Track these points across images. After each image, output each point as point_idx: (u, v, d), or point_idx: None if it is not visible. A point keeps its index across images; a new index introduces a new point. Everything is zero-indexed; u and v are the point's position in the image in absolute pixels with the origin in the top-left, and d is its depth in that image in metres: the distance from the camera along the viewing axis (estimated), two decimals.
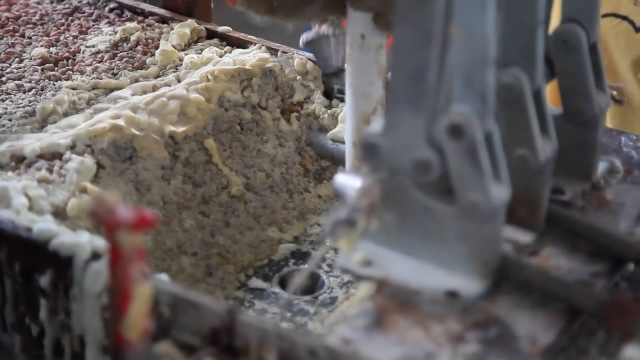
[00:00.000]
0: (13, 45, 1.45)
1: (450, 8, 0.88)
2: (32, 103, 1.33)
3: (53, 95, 1.34)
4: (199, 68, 1.39)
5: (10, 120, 1.30)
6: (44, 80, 1.38)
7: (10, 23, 1.50)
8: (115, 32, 1.48)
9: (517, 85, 1.00)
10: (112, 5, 1.55)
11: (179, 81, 1.37)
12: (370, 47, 1.11)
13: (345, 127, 1.20)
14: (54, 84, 1.37)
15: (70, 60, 1.43)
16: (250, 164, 1.36)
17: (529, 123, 1.01)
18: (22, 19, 1.51)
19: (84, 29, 1.49)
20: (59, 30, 1.49)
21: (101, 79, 1.38)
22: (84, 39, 1.47)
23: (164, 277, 1.00)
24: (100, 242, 1.02)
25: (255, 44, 1.44)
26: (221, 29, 1.48)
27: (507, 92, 1.01)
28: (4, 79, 1.38)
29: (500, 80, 1.00)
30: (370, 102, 1.14)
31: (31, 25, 1.50)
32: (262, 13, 1.07)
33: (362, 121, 1.14)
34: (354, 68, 1.12)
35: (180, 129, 1.32)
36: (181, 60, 1.42)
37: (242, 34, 1.47)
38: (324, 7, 1.07)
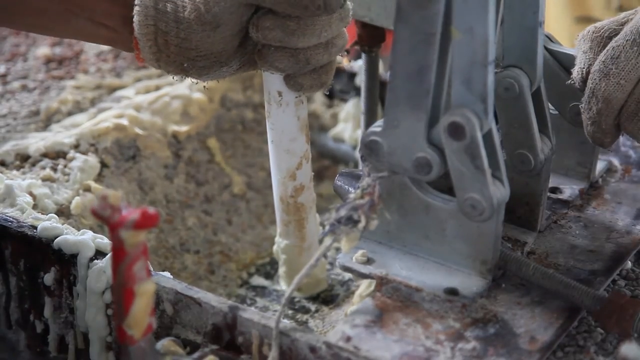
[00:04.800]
0: (17, 45, 1.46)
1: (450, 9, 0.89)
2: (36, 102, 1.34)
3: (57, 94, 1.35)
4: None
5: (14, 119, 1.31)
6: (48, 79, 1.39)
7: None
8: None
9: (517, 85, 1.01)
10: None
11: (182, 81, 1.37)
12: (289, 104, 1.05)
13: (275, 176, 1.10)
14: (58, 84, 1.38)
15: (74, 60, 1.43)
16: (252, 163, 1.36)
17: (529, 123, 1.02)
18: None
19: None
20: None
21: (105, 78, 1.39)
22: None
23: (166, 274, 1.00)
24: (103, 240, 1.03)
25: None
26: None
27: (506, 92, 1.01)
28: (8, 78, 1.39)
29: (500, 81, 1.01)
30: (294, 158, 1.07)
31: None
32: (173, 73, 1.02)
33: (288, 177, 1.08)
34: (274, 125, 1.06)
35: (183, 128, 1.33)
36: None
37: None
38: (240, 67, 1.02)
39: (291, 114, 1.05)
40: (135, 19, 0.98)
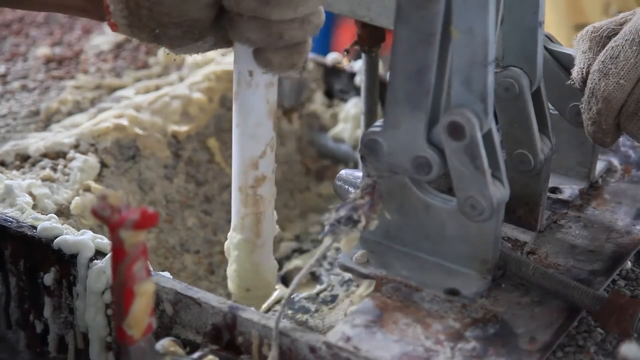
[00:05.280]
0: (17, 45, 1.46)
1: (450, 9, 0.89)
2: (36, 102, 1.34)
3: (57, 94, 1.35)
4: (202, 68, 1.39)
5: (14, 119, 1.31)
6: (48, 79, 1.39)
7: (14, 23, 1.51)
8: None
9: (517, 85, 1.01)
10: None
11: (182, 81, 1.38)
12: (259, 85, 0.98)
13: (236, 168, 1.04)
14: (57, 84, 1.38)
15: (74, 60, 1.43)
16: None
17: (529, 123, 1.02)
18: (26, 19, 1.52)
19: (87, 29, 1.50)
20: (62, 30, 1.49)
21: (105, 78, 1.39)
22: (87, 39, 1.48)
23: (166, 274, 1.00)
24: (103, 240, 1.03)
25: None
26: None
27: (506, 92, 1.01)
28: (8, 78, 1.39)
29: (500, 81, 1.01)
30: (258, 145, 1.00)
31: (35, 25, 1.50)
32: (145, 41, 0.97)
33: (250, 166, 1.00)
34: (241, 107, 0.99)
35: (183, 128, 1.33)
36: (184, 60, 1.42)
37: None
38: (215, 43, 0.98)
39: (260, 96, 0.99)
40: None
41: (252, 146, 1.00)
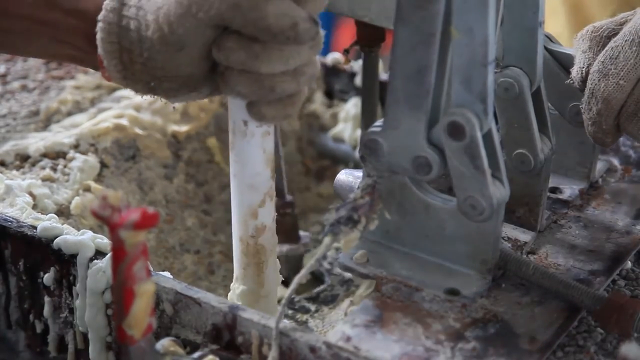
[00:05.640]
0: None
1: (450, 9, 0.89)
2: (36, 102, 1.34)
3: (57, 94, 1.35)
4: None
5: (14, 119, 1.31)
6: (48, 79, 1.39)
7: None
8: None
9: (517, 85, 1.01)
10: None
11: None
12: (255, 135, 0.96)
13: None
14: (57, 84, 1.38)
15: None
16: None
17: (528, 123, 1.02)
18: None
19: None
20: None
21: None
22: None
23: (166, 274, 1.00)
24: (103, 240, 1.03)
25: None
26: None
27: (506, 92, 1.01)
28: (8, 78, 1.39)
29: (500, 81, 1.01)
30: (256, 195, 0.98)
31: None
32: (140, 92, 0.95)
33: (249, 215, 0.99)
34: (238, 157, 0.98)
35: (183, 128, 1.33)
36: None
37: None
38: (211, 92, 0.95)
39: (256, 145, 0.97)
40: (98, 36, 0.93)
41: (250, 196, 0.99)
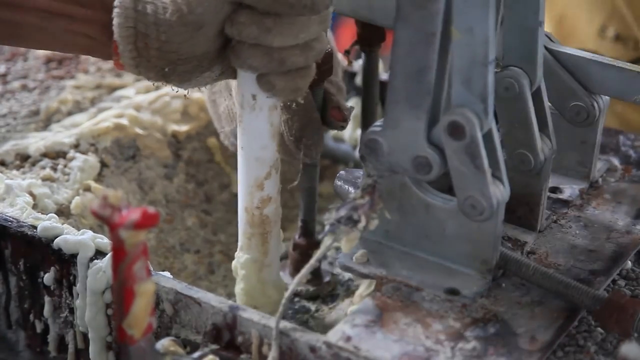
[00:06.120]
0: None
1: (450, 9, 0.89)
2: (36, 102, 1.34)
3: (57, 94, 1.35)
4: None
5: (14, 119, 1.31)
6: (48, 79, 1.39)
7: None
8: None
9: (517, 85, 1.01)
10: None
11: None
12: (263, 109, 0.99)
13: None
14: (58, 83, 1.38)
15: (74, 60, 1.43)
16: None
17: (529, 123, 1.02)
18: None
19: None
20: None
21: (105, 78, 1.39)
22: None
23: (166, 274, 1.00)
24: (103, 240, 1.03)
25: None
26: None
27: (506, 91, 1.01)
28: (8, 78, 1.39)
29: (500, 80, 1.01)
30: (263, 167, 1.01)
31: None
32: (153, 79, 0.97)
33: (255, 187, 1.02)
34: (245, 130, 1.00)
35: (183, 128, 1.33)
36: None
37: None
38: (222, 73, 0.98)
39: (264, 119, 1.00)
40: (115, 21, 0.95)
41: (257, 168, 1.02)
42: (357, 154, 1.35)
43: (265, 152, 1.01)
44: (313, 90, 1.08)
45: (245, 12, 0.93)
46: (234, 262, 1.07)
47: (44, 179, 1.19)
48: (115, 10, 0.95)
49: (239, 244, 1.06)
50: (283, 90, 0.96)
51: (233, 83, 1.11)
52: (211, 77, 0.99)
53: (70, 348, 1.07)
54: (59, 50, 1.07)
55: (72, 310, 1.05)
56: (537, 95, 1.03)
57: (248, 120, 1.00)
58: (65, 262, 1.03)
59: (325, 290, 1.19)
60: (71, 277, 1.04)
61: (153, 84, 1.00)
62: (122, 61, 0.96)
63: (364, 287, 0.99)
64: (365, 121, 1.28)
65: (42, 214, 1.10)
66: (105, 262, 1.01)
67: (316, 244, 1.18)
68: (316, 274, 1.19)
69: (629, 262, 1.05)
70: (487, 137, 0.92)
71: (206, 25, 0.94)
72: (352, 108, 1.12)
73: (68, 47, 1.02)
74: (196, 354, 0.93)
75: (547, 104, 1.04)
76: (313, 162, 1.15)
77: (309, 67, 0.97)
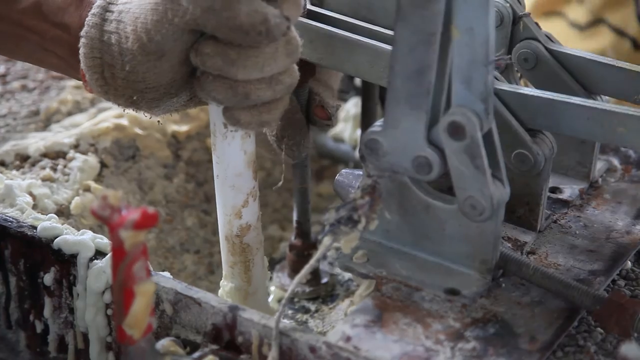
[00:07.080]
0: None
1: (450, 9, 0.89)
2: (36, 102, 1.34)
3: (57, 94, 1.35)
4: None
5: (14, 119, 1.31)
6: (48, 79, 1.39)
7: None
8: None
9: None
10: None
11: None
12: (235, 137, 0.97)
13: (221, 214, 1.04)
14: (57, 84, 1.38)
15: None
16: None
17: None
18: None
19: None
20: None
21: None
22: None
23: (166, 274, 1.00)
24: (103, 240, 1.03)
25: None
26: None
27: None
28: (8, 78, 1.39)
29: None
30: (239, 195, 1.00)
31: None
32: (123, 105, 0.96)
33: (233, 215, 1.01)
34: (219, 159, 0.99)
35: (183, 128, 1.33)
36: None
37: None
38: (191, 99, 0.97)
39: (237, 147, 0.98)
40: (81, 51, 0.94)
41: (233, 196, 1.00)
42: (357, 154, 1.35)
43: (241, 179, 1.00)
44: (296, 91, 1.06)
45: (210, 43, 0.91)
46: (219, 291, 1.06)
47: (44, 179, 1.19)
48: (82, 41, 0.94)
49: (223, 272, 1.05)
50: (249, 124, 0.94)
51: None
52: (180, 102, 0.97)
53: (70, 348, 1.07)
54: (34, 64, 1.06)
55: (72, 311, 1.05)
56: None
57: (221, 149, 0.99)
58: (65, 262, 1.03)
59: (325, 290, 1.19)
60: (71, 278, 1.04)
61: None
62: (90, 87, 0.96)
63: (363, 287, 0.99)
64: (365, 121, 1.28)
65: (42, 214, 1.10)
66: (105, 262, 1.01)
67: (312, 245, 1.18)
68: (315, 274, 1.19)
69: (629, 262, 1.05)
70: (487, 137, 0.92)
71: (168, 54, 0.92)
72: (338, 106, 1.10)
73: (42, 63, 1.02)
74: (196, 354, 0.93)
75: None
76: (302, 163, 1.14)
77: (278, 100, 0.94)
